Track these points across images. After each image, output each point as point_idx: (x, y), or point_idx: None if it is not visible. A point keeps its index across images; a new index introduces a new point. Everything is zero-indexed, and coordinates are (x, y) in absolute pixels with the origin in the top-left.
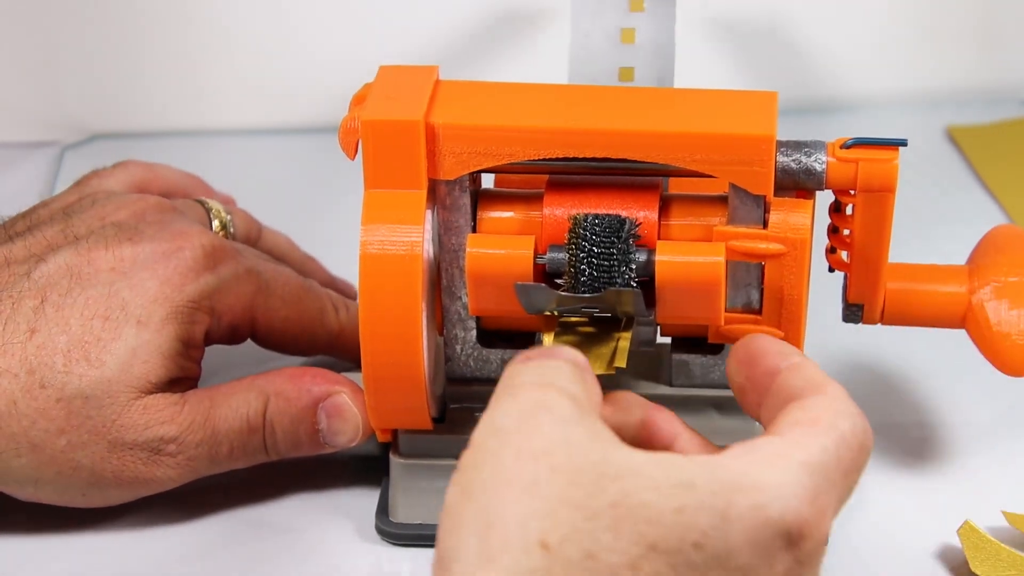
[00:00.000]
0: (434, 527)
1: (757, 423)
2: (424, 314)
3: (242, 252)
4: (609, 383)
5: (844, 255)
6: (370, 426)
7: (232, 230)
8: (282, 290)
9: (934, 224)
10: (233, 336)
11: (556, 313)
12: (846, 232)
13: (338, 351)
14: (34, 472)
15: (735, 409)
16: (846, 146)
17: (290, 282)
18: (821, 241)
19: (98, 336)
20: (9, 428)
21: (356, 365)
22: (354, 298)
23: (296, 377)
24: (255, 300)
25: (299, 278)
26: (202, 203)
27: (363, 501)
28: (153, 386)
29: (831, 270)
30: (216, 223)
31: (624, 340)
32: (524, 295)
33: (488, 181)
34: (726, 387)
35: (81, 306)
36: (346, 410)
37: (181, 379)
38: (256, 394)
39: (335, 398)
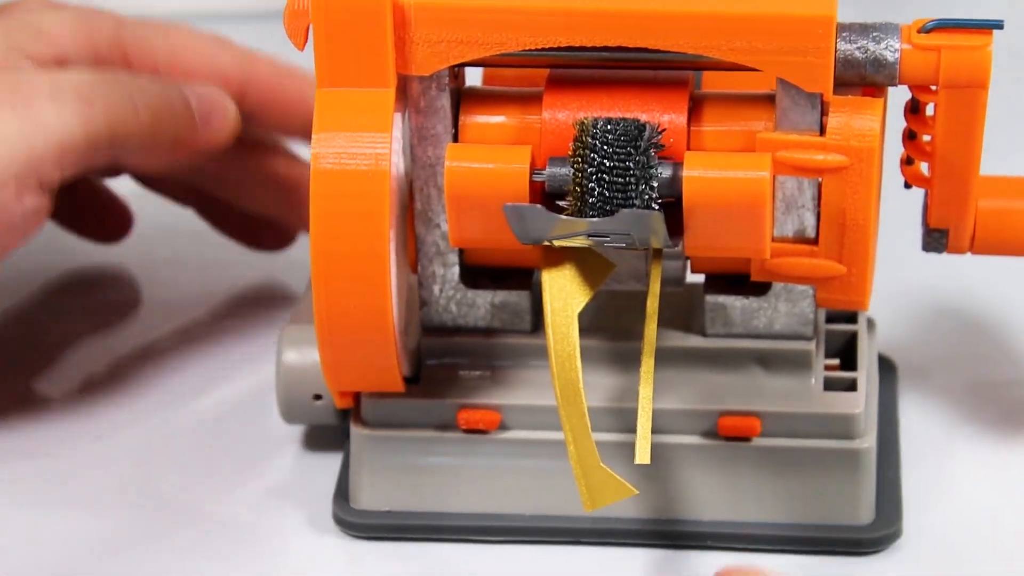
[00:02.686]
0: (407, 515)
1: (812, 381)
2: (393, 246)
3: None
4: (621, 329)
5: (924, 167)
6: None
7: None
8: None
9: None
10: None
11: (557, 244)
12: (926, 138)
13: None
14: None
15: (783, 364)
16: (925, 29)
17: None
18: (895, 150)
19: None
20: None
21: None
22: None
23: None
24: None
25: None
26: None
27: (317, 483)
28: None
29: (907, 186)
30: None
31: (653, 276)
32: (517, 220)
33: (474, 78)
34: (773, 336)
35: None
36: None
37: None
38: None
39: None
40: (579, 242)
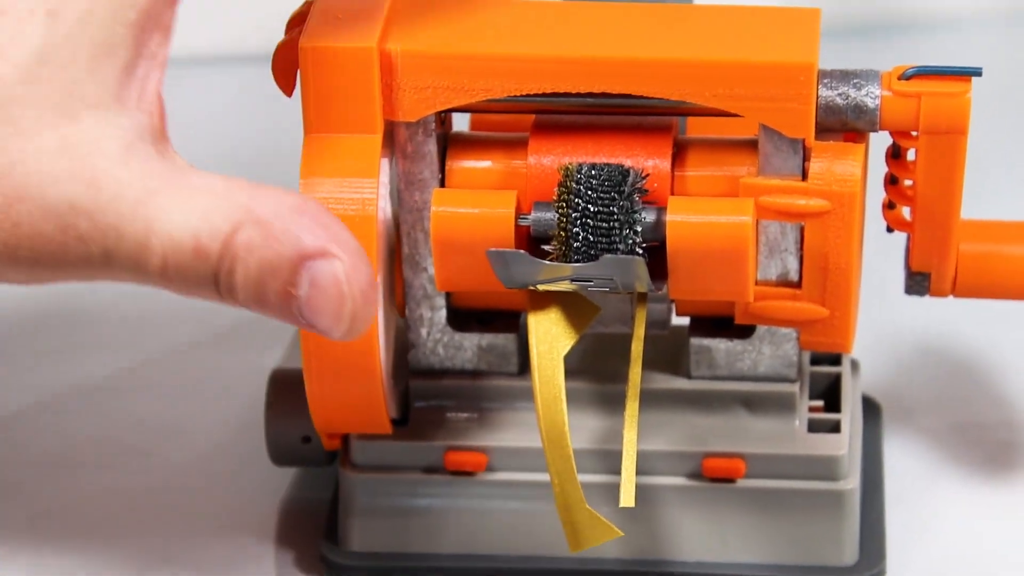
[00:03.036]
0: (395, 557)
1: (796, 422)
2: (380, 290)
3: None
4: (607, 371)
5: (905, 212)
6: (365, 320)
7: None
8: None
9: (1018, 171)
10: None
11: (542, 288)
12: (908, 183)
13: None
14: None
15: (767, 406)
16: (906, 76)
17: None
18: (876, 195)
19: None
20: None
21: None
22: None
23: (293, 211)
24: None
25: None
26: None
27: (305, 524)
28: (82, 106)
29: (890, 230)
30: None
31: (638, 319)
32: (501, 265)
33: (460, 123)
34: (757, 379)
35: None
36: (336, 290)
37: (133, 89)
38: (229, 208)
39: (327, 265)
40: (564, 286)
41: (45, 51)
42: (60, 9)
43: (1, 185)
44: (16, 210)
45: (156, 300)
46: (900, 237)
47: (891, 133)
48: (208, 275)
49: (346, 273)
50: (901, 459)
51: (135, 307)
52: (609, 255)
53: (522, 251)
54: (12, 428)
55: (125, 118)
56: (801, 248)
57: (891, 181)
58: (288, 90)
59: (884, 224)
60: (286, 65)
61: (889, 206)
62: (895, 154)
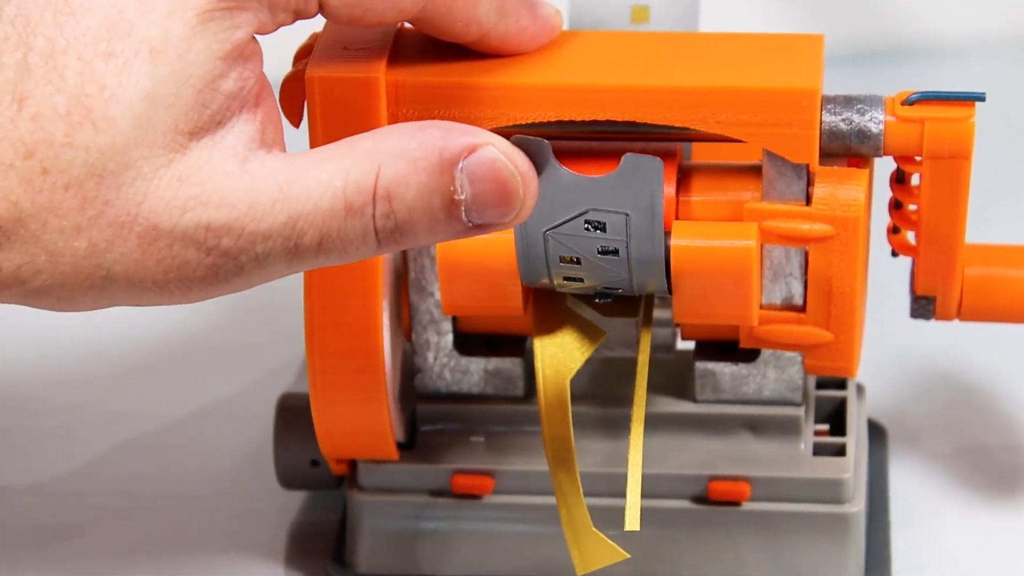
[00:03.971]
0: None
1: (801, 446)
2: (387, 315)
3: None
4: (613, 395)
5: (910, 236)
6: (535, 192)
7: None
8: None
9: (1022, 196)
10: (298, 18)
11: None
12: (912, 208)
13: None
14: (61, 289)
15: (772, 430)
16: (909, 101)
17: None
18: (881, 220)
19: (101, 83)
20: (19, 236)
21: None
22: None
23: (419, 130)
24: None
25: None
26: None
27: (312, 545)
28: (188, 137)
29: (895, 255)
30: None
31: (643, 343)
32: (523, 146)
33: None
34: (762, 402)
35: (77, 45)
36: (500, 169)
37: (233, 109)
38: (358, 158)
39: (481, 152)
40: (578, 286)
41: (152, 91)
42: (163, 48)
43: (134, 228)
44: (156, 247)
45: (164, 322)
46: (905, 261)
47: (895, 158)
48: (366, 228)
49: (499, 152)
50: (907, 483)
51: (142, 329)
52: (630, 155)
53: (546, 141)
54: (22, 449)
55: (231, 135)
56: (805, 272)
57: (895, 206)
58: (295, 121)
59: (889, 248)
60: (293, 96)
61: (894, 231)
62: (899, 179)
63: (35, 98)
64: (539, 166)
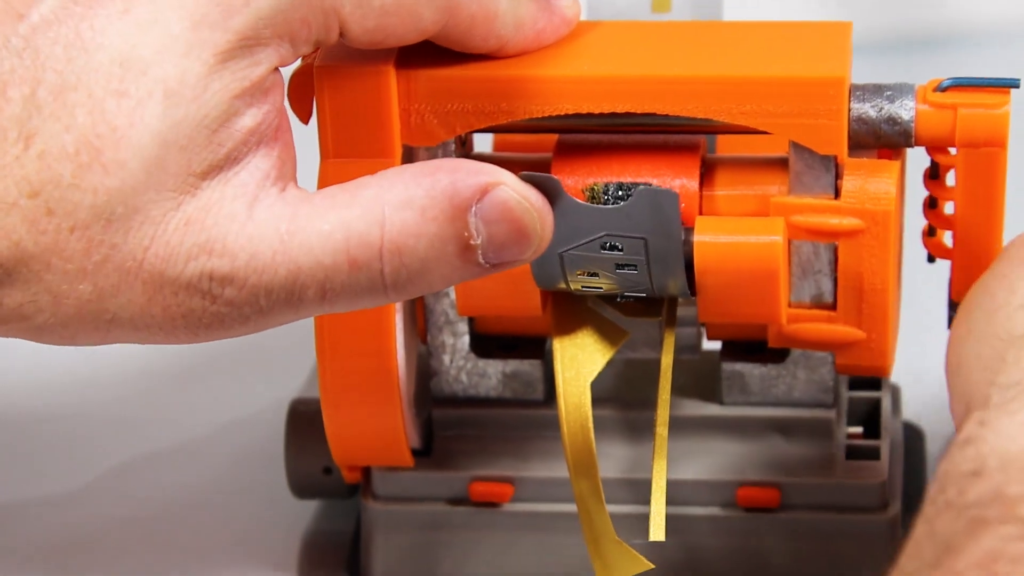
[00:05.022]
0: None
1: (833, 449)
2: (401, 316)
3: None
4: (636, 398)
5: (947, 238)
6: (550, 225)
7: None
8: None
9: None
10: (319, 47)
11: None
12: (948, 206)
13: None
14: (64, 328)
15: (803, 433)
16: (941, 88)
17: None
18: (916, 220)
19: (112, 124)
20: (21, 276)
21: None
22: None
23: (426, 175)
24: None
25: None
26: None
27: (326, 556)
28: (200, 178)
29: (931, 259)
30: None
31: (667, 344)
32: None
33: (482, 143)
34: (792, 404)
35: (88, 82)
36: (514, 208)
37: (251, 146)
38: (361, 209)
39: (495, 194)
40: (597, 292)
41: (165, 134)
42: (179, 89)
43: (139, 275)
44: (162, 295)
45: None
46: (946, 266)
47: (928, 150)
48: (372, 282)
49: (512, 191)
50: None
51: None
52: (643, 186)
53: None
54: (30, 458)
55: (245, 172)
56: (835, 268)
57: (930, 205)
58: (304, 117)
59: (926, 253)
60: (302, 92)
61: (929, 233)
62: (933, 174)
63: (43, 136)
64: (551, 200)
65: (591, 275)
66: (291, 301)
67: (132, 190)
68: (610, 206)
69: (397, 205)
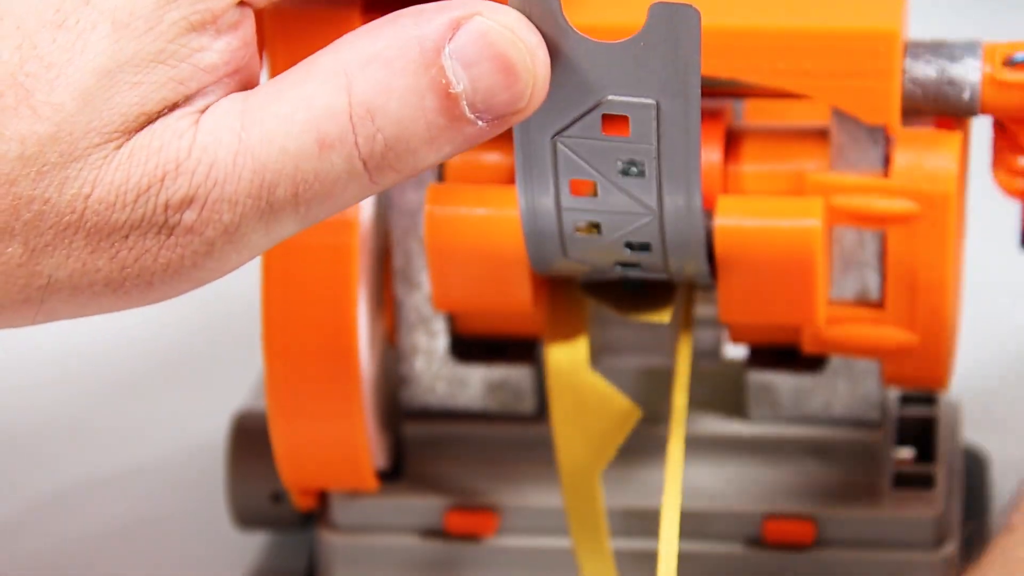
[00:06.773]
0: None
1: (879, 476)
2: (365, 308)
3: None
4: (646, 413)
5: None
6: (546, 62)
7: None
8: None
9: None
10: None
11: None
12: None
13: None
14: None
15: (843, 456)
16: (1014, 61)
17: None
18: (983, 191)
19: (46, 61)
20: None
21: None
22: None
23: (386, 25)
24: None
25: None
26: None
27: None
28: (147, 118)
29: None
30: None
31: (683, 348)
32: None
33: None
34: (831, 422)
35: (17, 12)
36: (496, 41)
37: (213, 88)
38: (324, 78)
39: (469, 27)
40: (601, 254)
41: (112, 71)
42: (128, 21)
43: (81, 228)
44: (109, 241)
45: (108, 329)
46: (1011, 244)
47: (995, 119)
48: (348, 162)
49: (490, 21)
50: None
51: (89, 338)
52: (657, 3)
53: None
54: None
55: (200, 98)
56: (883, 260)
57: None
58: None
59: (986, 225)
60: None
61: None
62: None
63: None
64: (546, 30)
65: (593, 228)
66: (260, 209)
67: (69, 136)
68: (615, 43)
69: (360, 63)
